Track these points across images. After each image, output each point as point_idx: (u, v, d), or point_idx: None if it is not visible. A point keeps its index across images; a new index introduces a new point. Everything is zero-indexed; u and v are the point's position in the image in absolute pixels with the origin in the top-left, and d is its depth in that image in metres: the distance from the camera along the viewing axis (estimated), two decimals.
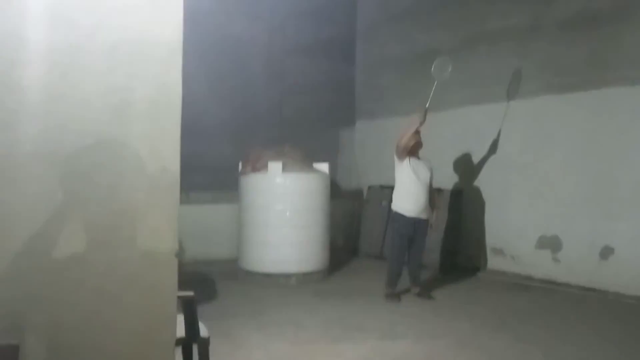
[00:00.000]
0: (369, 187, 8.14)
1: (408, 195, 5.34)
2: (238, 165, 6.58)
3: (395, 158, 5.42)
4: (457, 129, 7.02)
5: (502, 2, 6.69)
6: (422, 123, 5.33)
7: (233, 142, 7.16)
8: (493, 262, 6.67)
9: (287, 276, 6.03)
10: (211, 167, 6.99)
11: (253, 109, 7.80)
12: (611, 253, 5.55)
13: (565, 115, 5.99)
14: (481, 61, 6.85)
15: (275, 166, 6.07)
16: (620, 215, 5.50)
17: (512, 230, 6.48)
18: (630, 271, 5.36)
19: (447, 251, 6.78)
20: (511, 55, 6.51)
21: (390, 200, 5.58)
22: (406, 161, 5.33)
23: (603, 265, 5.61)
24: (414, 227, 5.35)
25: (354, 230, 8.24)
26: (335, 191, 7.24)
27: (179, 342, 2.25)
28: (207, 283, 5.89)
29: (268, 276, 6.02)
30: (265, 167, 6.15)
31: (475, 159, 6.83)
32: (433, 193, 5.56)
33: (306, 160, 6.50)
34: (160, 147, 1.77)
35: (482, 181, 6.80)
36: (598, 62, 5.73)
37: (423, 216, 5.38)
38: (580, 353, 3.88)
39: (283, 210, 6.09)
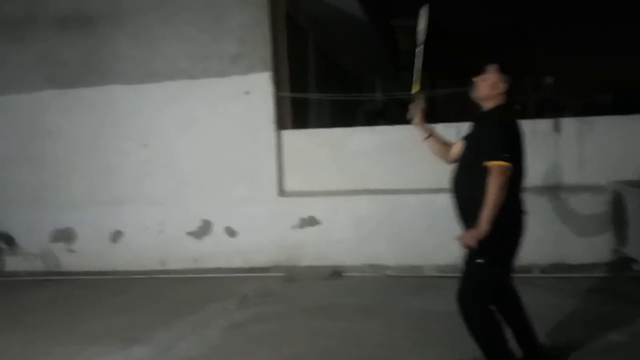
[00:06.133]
0: None
1: None
2: None
3: None
4: None
5: None
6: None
7: None
8: (6, 264, 6.33)
9: None
10: None
11: None
12: (120, 236, 6.16)
13: (68, 110, 6.20)
14: None
15: None
16: (125, 201, 6.15)
17: (23, 228, 6.30)
18: (136, 250, 6.09)
19: None
20: (7, 45, 6.26)
21: None
22: None
23: (114, 247, 6.17)
24: None
25: None
26: None
27: None
28: None
29: None
30: None
31: None
32: None
33: None
34: None
35: None
36: (95, 60, 6.18)
37: None
38: (90, 326, 4.24)
39: None
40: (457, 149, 3.12)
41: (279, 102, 6.06)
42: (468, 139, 3.02)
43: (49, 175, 6.27)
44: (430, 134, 3.27)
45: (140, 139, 6.11)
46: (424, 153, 5.76)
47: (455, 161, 3.12)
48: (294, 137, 6.09)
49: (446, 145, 3.25)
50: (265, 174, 5.95)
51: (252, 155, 5.96)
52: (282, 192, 5.98)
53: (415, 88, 3.20)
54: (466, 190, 2.87)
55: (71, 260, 6.21)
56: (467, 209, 2.86)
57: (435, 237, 5.25)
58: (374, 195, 5.76)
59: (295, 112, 6.59)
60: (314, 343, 3.82)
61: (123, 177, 6.15)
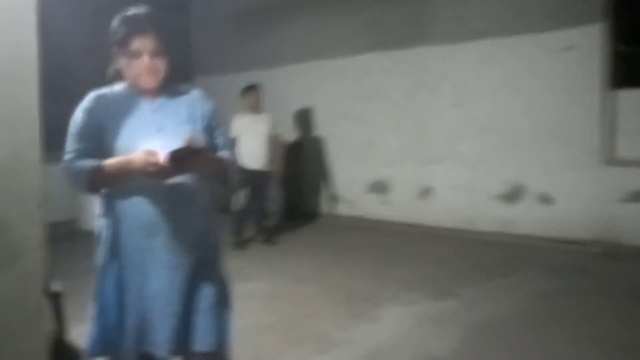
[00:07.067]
0: None
1: (246, 149, 5.60)
2: None
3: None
4: (295, 84, 7.39)
5: None
6: None
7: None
8: (331, 207, 7.28)
9: None
10: None
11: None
12: (430, 192, 6.43)
13: (389, 71, 6.65)
14: (313, 20, 7.24)
15: None
16: (436, 160, 6.37)
17: (347, 177, 7.11)
18: (445, 207, 6.28)
19: (290, 199, 7.27)
20: (340, 15, 6.99)
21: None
22: (237, 119, 5.67)
23: (424, 202, 6.49)
24: (256, 178, 5.64)
25: None
26: None
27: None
28: None
29: None
30: None
31: (314, 112, 7.29)
32: (276, 145, 5.87)
33: None
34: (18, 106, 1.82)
35: (320, 133, 7.30)
36: (416, 23, 6.43)
37: (264, 168, 5.71)
38: (401, 273, 4.57)
39: None
40: None
41: (611, 57, 5.32)
42: None
43: (370, 132, 6.88)
44: None
45: (454, 99, 6.17)
46: None
47: None
48: (630, 97, 5.29)
49: None
50: (589, 139, 5.36)
51: (575, 117, 5.42)
52: (610, 160, 5.31)
53: None
54: None
55: (385, 210, 6.76)
56: None
57: None
58: None
59: (633, 68, 5.68)
60: (627, 329, 3.35)
61: (437, 136, 6.34)
